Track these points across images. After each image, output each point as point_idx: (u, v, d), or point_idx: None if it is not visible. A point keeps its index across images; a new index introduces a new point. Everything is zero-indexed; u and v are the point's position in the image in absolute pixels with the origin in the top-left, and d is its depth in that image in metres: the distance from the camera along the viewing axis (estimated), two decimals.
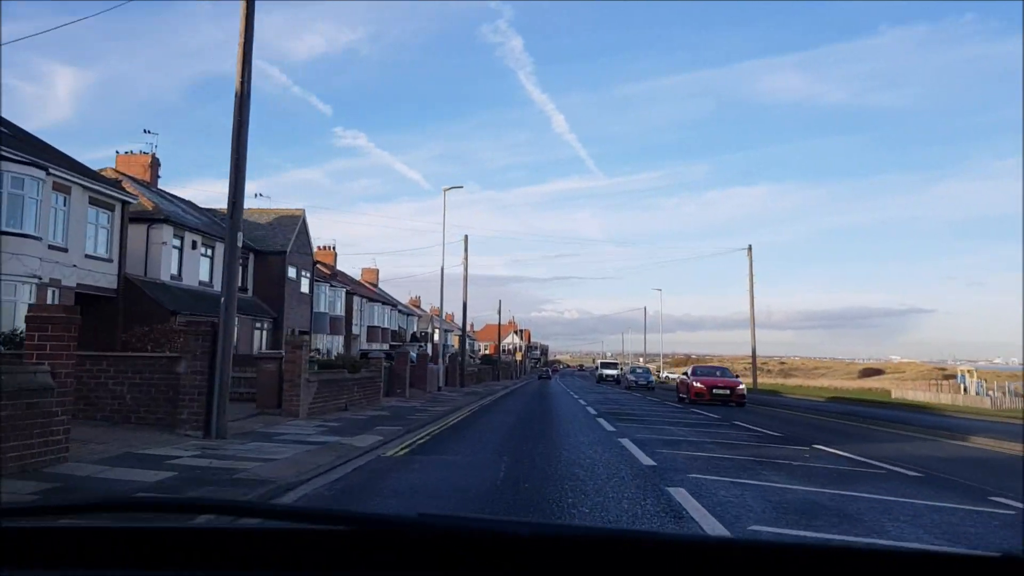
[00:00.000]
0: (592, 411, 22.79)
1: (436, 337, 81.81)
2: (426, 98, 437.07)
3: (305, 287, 41.11)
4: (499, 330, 77.77)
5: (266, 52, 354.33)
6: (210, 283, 33.00)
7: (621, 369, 76.49)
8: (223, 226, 16.88)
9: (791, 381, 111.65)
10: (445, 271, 47.72)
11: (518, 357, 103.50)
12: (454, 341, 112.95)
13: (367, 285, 69.73)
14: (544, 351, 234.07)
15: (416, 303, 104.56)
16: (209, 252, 33.18)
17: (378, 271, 75.06)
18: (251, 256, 37.08)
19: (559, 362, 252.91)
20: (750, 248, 47.06)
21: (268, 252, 37.51)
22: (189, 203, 37.19)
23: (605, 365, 77.51)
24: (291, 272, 38.49)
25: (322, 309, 46.70)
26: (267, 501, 7.12)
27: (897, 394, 54.45)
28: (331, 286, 48.38)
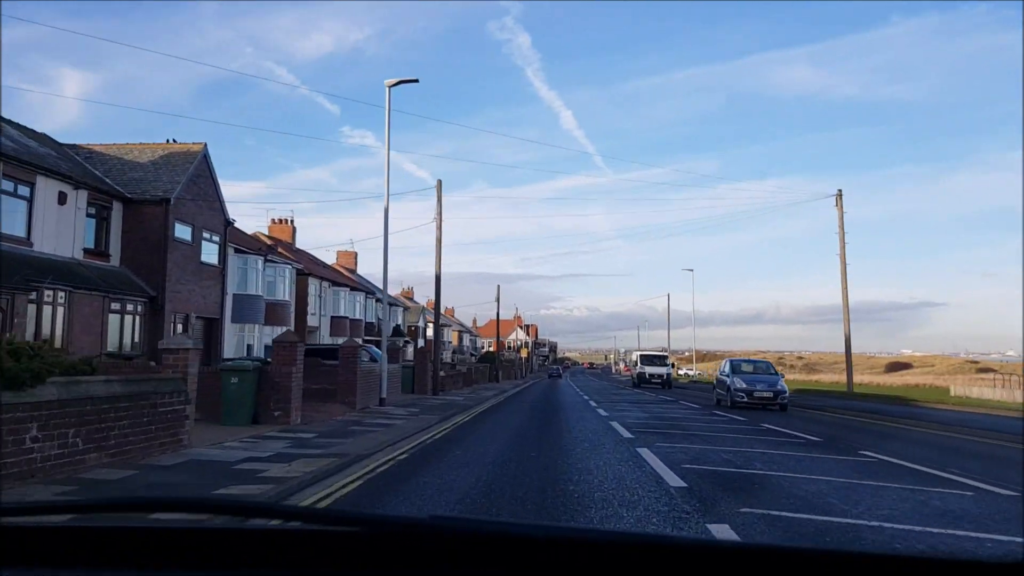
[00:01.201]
0: (679, 482, 8.75)
1: (414, 324, 69.93)
2: (434, 96, 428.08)
3: (211, 255, 29.16)
4: (498, 324, 65.69)
5: (274, 53, 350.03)
6: (28, 238, 21.17)
7: (673, 365, 54.97)
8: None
9: (815, 377, 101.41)
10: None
11: (523, 354, 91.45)
12: (452, 338, 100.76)
13: (341, 270, 57.79)
14: (553, 348, 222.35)
15: (409, 295, 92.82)
16: (27, 192, 21.30)
17: (356, 254, 63.09)
18: (116, 206, 25.18)
19: (568, 360, 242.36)
20: (840, 196, 34.78)
21: (145, 201, 25.57)
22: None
23: (648, 360, 50.67)
24: (181, 231, 26.53)
25: (254, 291, 34.83)
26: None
27: (959, 391, 46.67)
28: (268, 260, 36.49)
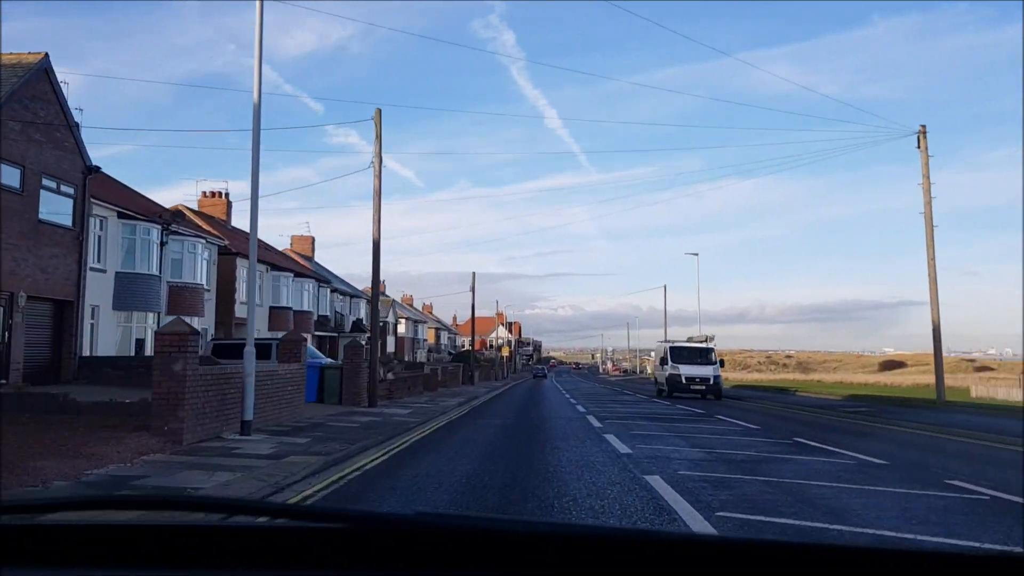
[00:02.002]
0: None
1: (384, 320, 60.98)
2: (417, 94, 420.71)
3: (60, 213, 20.93)
4: (473, 318, 57.47)
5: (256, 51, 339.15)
6: None
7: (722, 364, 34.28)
8: None
9: (813, 376, 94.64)
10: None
11: (505, 353, 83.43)
12: (429, 335, 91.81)
13: (295, 256, 49.42)
14: (537, 347, 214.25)
15: (382, 289, 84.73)
16: None
17: (313, 239, 54.68)
18: None
19: (553, 359, 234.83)
20: (923, 132, 27.03)
21: None
22: None
23: (685, 354, 33.29)
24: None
25: (146, 269, 26.67)
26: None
27: (981, 392, 43.30)
28: (172, 232, 28.28)
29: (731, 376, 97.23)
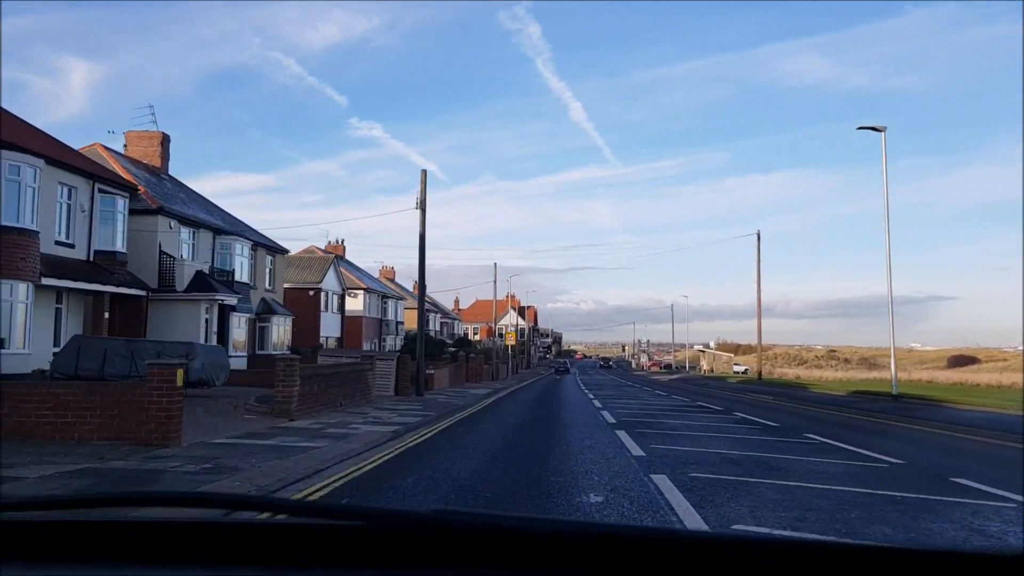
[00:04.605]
0: None
1: (333, 291, 40.81)
2: (442, 87, 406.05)
3: None
4: (457, 302, 40.62)
5: (282, 44, 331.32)
6: None
7: None
8: None
9: (873, 375, 78.08)
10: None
11: (509, 342, 66.55)
12: (408, 318, 75.31)
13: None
14: (558, 339, 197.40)
15: (389, 275, 68.58)
16: None
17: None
18: None
19: (575, 352, 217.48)
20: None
21: None
22: None
23: None
24: None
25: None
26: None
27: None
28: None
29: (805, 374, 79.76)
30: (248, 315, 30.04)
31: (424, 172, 26.96)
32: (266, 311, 32.25)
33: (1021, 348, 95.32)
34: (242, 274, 29.43)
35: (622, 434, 14.47)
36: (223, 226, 29.44)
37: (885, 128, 27.06)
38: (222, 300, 25.91)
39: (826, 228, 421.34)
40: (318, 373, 18.12)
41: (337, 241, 56.17)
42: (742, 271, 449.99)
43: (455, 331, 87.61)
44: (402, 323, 58.34)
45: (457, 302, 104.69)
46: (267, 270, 33.66)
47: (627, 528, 1.35)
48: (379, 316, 52.26)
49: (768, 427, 17.46)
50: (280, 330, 33.11)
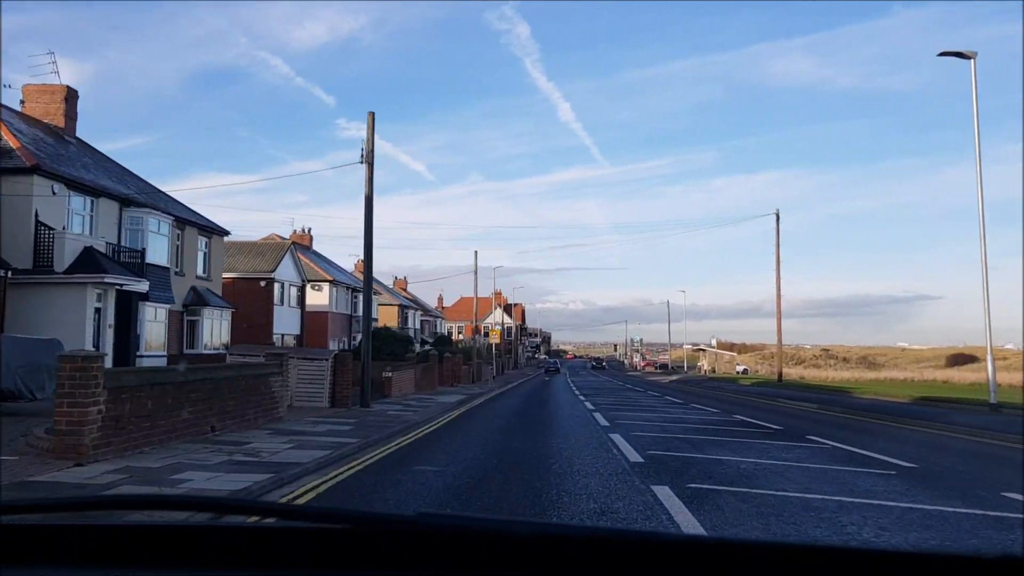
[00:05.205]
0: None
1: (294, 283, 37.62)
2: (430, 87, 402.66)
3: None
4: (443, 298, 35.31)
5: (269, 43, 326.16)
6: None
7: None
8: None
9: (878, 375, 74.13)
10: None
11: (494, 340, 61.35)
12: (389, 317, 69.83)
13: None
14: (547, 339, 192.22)
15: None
16: None
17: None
18: None
19: (564, 352, 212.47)
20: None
21: None
22: None
23: None
24: None
25: None
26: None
27: None
28: None
29: (809, 374, 75.81)
30: (168, 306, 24.66)
31: (371, 114, 21.71)
32: (196, 302, 26.88)
33: (1020, 347, 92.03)
34: (159, 256, 23.98)
35: (665, 495, 8.20)
36: (134, 196, 23.98)
37: (976, 54, 22.16)
38: (120, 285, 20.55)
39: (815, 228, 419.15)
40: (154, 381, 11.34)
41: (304, 230, 50.89)
42: (730, 271, 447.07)
43: (437, 329, 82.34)
44: (376, 320, 53.11)
45: (441, 299, 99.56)
46: (200, 253, 28.25)
47: (611, 531, 1.31)
48: (348, 312, 46.95)
49: (904, 470, 10.67)
50: (215, 325, 27.74)
